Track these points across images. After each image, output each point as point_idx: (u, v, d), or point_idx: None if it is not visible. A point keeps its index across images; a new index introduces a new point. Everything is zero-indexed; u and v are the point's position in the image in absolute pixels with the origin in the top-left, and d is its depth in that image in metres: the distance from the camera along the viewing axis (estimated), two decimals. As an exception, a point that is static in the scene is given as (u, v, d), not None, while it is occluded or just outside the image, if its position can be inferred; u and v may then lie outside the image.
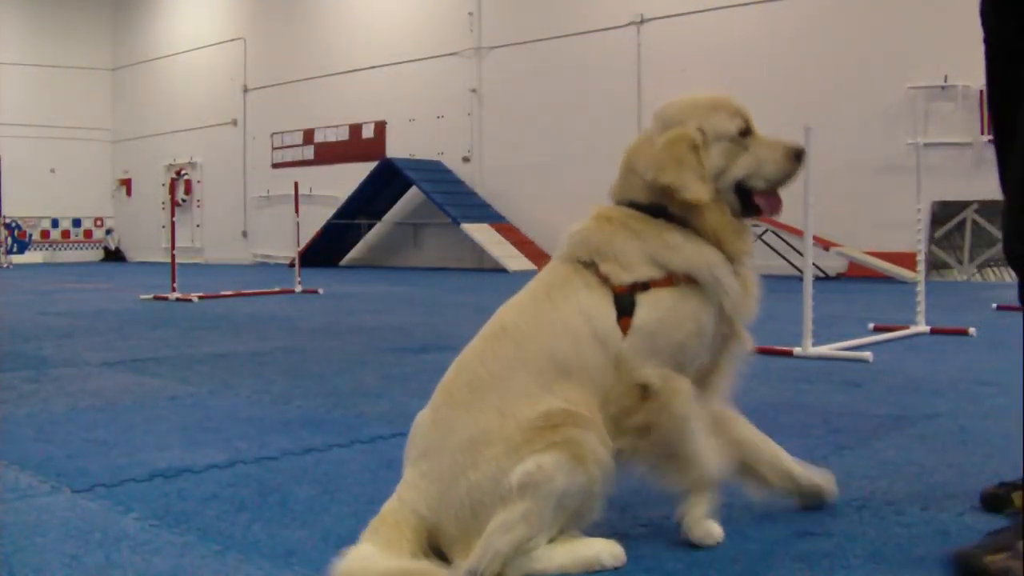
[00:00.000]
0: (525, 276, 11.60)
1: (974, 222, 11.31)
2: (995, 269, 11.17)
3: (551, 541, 1.75)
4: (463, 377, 1.89)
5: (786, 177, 2.01)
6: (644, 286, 1.89)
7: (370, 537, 1.75)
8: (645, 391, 1.85)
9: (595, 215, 2.01)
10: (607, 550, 1.77)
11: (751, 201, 2.00)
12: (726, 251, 1.94)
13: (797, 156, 2.00)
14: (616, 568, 1.76)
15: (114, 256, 23.67)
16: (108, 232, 23.93)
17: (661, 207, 1.94)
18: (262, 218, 20.20)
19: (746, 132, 1.99)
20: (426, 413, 1.89)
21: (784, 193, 2.06)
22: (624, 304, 1.88)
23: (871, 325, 5.89)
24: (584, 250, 1.95)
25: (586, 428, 1.77)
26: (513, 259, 14.41)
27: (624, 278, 1.89)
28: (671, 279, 1.90)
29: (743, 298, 1.96)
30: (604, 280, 1.90)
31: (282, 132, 19.79)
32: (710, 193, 1.93)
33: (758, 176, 1.99)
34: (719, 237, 1.94)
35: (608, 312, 1.88)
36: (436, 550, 1.78)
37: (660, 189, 1.93)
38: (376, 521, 1.79)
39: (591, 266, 1.93)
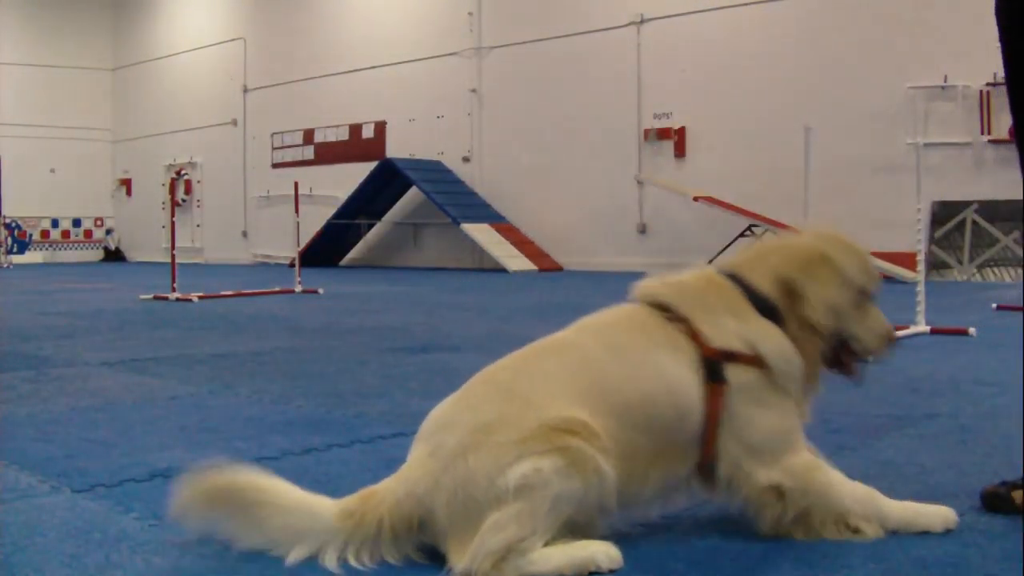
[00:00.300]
0: (525, 276, 11.51)
1: (974, 222, 11.31)
2: (995, 269, 11.17)
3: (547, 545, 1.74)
4: (513, 363, 1.92)
5: (878, 354, 2.07)
6: (732, 356, 1.91)
7: (341, 509, 1.79)
8: (778, 490, 1.90)
9: (701, 274, 2.03)
10: (603, 551, 1.75)
11: (840, 357, 2.05)
12: (810, 375, 1.99)
13: (892, 341, 2.08)
14: (612, 570, 1.75)
15: (114, 256, 23.68)
16: (108, 232, 23.94)
17: (772, 305, 1.97)
18: (262, 218, 20.21)
19: (870, 296, 2.04)
20: (460, 391, 1.92)
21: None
22: (713, 369, 1.90)
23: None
24: (680, 303, 1.97)
25: (598, 449, 1.77)
26: (513, 259, 14.41)
27: (716, 342, 1.92)
28: (758, 359, 1.93)
29: (804, 407, 2.02)
30: (693, 337, 1.92)
31: (282, 132, 19.79)
32: (832, 325, 1.98)
33: (859, 339, 2.03)
34: (813, 362, 1.98)
35: (691, 382, 1.90)
36: (427, 547, 1.78)
37: (789, 291, 1.97)
38: (359, 499, 1.80)
39: (682, 321, 1.94)
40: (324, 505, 1.82)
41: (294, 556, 1.77)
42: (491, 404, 1.81)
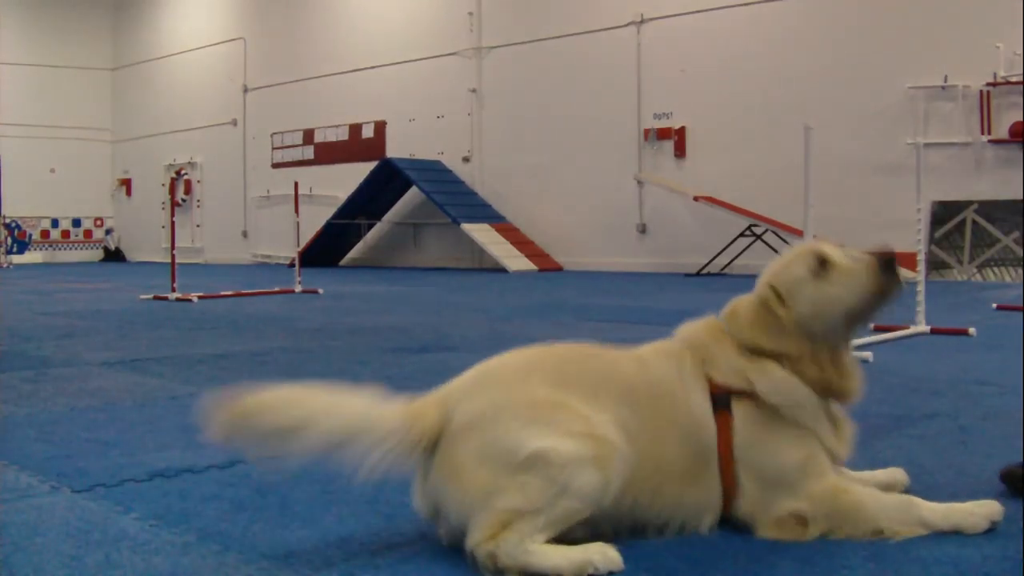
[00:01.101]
0: (525, 276, 11.46)
1: (974, 222, 11.31)
2: (995, 269, 11.17)
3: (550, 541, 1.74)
4: (568, 351, 2.00)
5: (883, 291, 1.95)
6: (732, 392, 1.95)
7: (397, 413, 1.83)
8: (799, 517, 1.91)
9: (709, 324, 2.06)
10: (600, 552, 1.75)
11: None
12: (832, 392, 1.98)
13: (886, 264, 1.94)
14: (611, 572, 1.74)
15: (114, 256, 23.67)
16: (108, 232, 23.93)
17: (758, 348, 1.99)
18: (262, 218, 20.21)
19: (822, 266, 1.97)
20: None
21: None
22: (719, 401, 1.94)
23: (871, 325, 5.88)
24: (706, 342, 2.02)
25: (614, 451, 1.80)
26: (513, 259, 14.41)
27: (718, 379, 1.96)
28: (754, 395, 1.95)
29: (834, 440, 1.99)
30: (701, 365, 1.98)
31: (282, 132, 19.79)
32: (795, 344, 1.96)
33: (853, 303, 1.96)
34: (824, 381, 1.96)
35: (710, 415, 1.94)
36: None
37: (751, 349, 1.99)
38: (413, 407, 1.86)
39: (702, 359, 2.00)
40: (377, 408, 1.83)
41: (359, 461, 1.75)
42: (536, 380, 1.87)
